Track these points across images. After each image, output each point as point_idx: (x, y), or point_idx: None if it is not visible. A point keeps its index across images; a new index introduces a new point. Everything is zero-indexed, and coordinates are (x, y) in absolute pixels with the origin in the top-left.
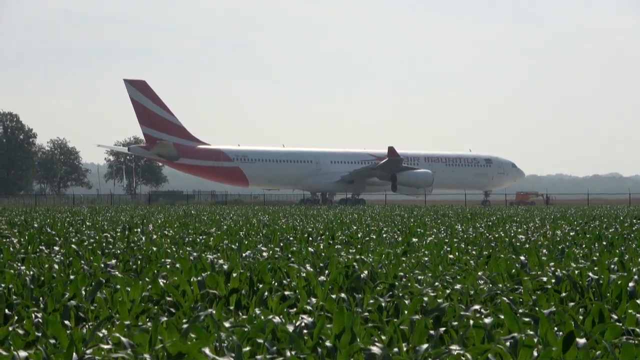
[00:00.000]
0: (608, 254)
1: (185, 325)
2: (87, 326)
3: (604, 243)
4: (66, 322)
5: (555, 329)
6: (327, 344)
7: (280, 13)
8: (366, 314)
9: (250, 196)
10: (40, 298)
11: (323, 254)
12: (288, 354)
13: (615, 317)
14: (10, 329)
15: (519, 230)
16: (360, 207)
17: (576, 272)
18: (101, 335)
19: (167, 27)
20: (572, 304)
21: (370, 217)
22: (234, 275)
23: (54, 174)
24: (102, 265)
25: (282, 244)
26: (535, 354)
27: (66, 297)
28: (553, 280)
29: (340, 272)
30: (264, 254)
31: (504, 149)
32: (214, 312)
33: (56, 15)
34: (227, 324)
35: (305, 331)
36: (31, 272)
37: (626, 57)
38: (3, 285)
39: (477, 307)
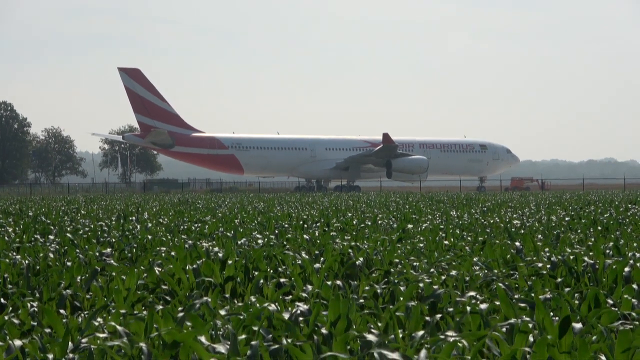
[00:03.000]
0: (603, 239)
1: (180, 314)
2: (82, 315)
3: (599, 228)
4: (62, 311)
5: (551, 314)
6: (323, 331)
7: (274, 1)
8: (362, 300)
9: (245, 184)
10: (36, 287)
11: (318, 241)
12: (284, 341)
13: (611, 302)
14: (6, 318)
15: (514, 215)
16: (355, 194)
17: (571, 257)
18: (97, 324)
19: (161, 15)
20: (567, 289)
21: (366, 203)
22: (229, 263)
23: (49, 163)
24: (98, 254)
25: (277, 232)
26: (531, 339)
27: (62, 286)
28: (548, 266)
29: (335, 259)
30: (259, 241)
31: (499, 134)
32: (209, 300)
33: (50, 5)
34: (222, 312)
35: (301, 318)
36: (26, 261)
37: (620, 44)
38: None
39: (472, 293)
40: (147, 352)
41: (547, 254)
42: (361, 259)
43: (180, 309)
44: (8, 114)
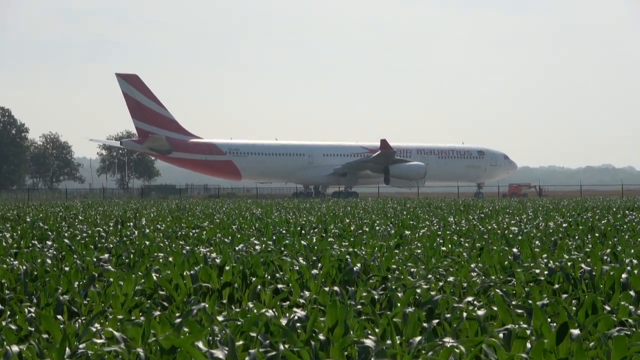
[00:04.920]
0: (601, 246)
1: (178, 319)
2: (80, 320)
3: (597, 234)
4: (59, 316)
5: (549, 320)
6: (321, 337)
7: (271, 7)
8: (359, 306)
9: (243, 189)
10: (33, 293)
11: (316, 247)
12: (281, 347)
13: (608, 308)
14: (3, 323)
15: (512, 222)
16: (353, 200)
17: (569, 263)
18: (94, 329)
19: (159, 21)
20: (565, 295)
21: (363, 209)
22: (227, 268)
23: (47, 169)
24: (95, 260)
25: (274, 237)
26: (528, 345)
27: (59, 292)
28: (546, 272)
29: (333, 265)
30: (257, 247)
31: (497, 140)
32: (206, 305)
33: (48, 10)
34: (220, 318)
35: (298, 324)
36: (24, 267)
37: (618, 50)
38: None
39: (470, 299)
40: (145, 358)
41: (545, 260)
42: (359, 265)
43: (177, 314)
44: (6, 119)
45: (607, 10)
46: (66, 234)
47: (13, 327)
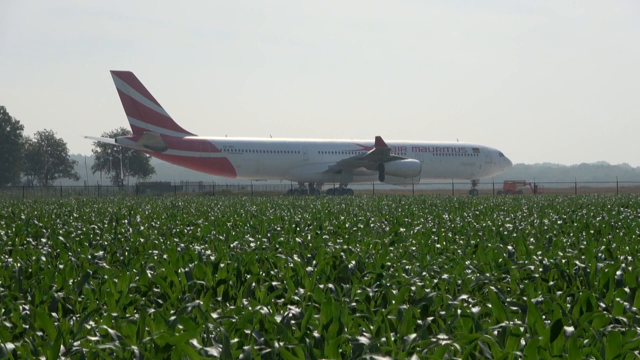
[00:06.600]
0: (595, 243)
1: (172, 317)
2: (74, 318)
3: (592, 231)
4: (54, 314)
5: (543, 317)
6: (315, 334)
7: (267, 5)
8: (354, 304)
9: (238, 187)
10: (28, 290)
11: (311, 245)
12: (276, 344)
13: (602, 305)
14: None
15: (507, 219)
16: (348, 197)
17: (564, 260)
18: (89, 327)
19: (154, 18)
20: (559, 292)
21: (358, 207)
22: (222, 266)
23: (41, 166)
24: (90, 257)
25: (269, 235)
26: (523, 342)
27: (54, 289)
28: (541, 269)
29: (327, 262)
30: (252, 244)
31: (492, 138)
32: (201, 303)
33: (43, 8)
34: (214, 315)
35: (293, 322)
36: (18, 264)
37: (614, 47)
38: None
39: (464, 296)
40: (139, 355)
41: (540, 258)
42: (353, 262)
43: (172, 312)
44: (1, 117)
45: (605, 9)
46: (61, 232)
47: (8, 324)
